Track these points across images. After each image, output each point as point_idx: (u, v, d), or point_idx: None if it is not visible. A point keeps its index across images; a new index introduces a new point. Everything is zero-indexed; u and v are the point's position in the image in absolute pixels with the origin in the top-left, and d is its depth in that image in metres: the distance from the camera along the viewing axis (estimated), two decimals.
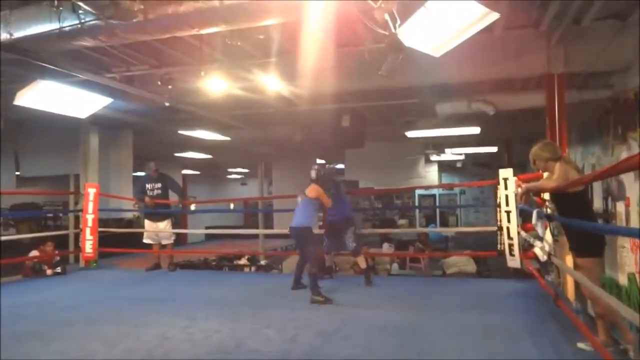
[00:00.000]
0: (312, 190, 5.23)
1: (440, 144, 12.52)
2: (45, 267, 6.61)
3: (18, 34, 4.16)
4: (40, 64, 4.99)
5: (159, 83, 5.87)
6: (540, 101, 6.08)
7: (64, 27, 3.99)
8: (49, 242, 6.93)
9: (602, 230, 4.00)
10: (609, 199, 6.50)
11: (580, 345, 3.18)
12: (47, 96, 5.76)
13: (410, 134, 9.79)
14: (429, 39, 3.98)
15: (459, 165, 16.88)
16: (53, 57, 5.07)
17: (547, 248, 4.25)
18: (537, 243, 4.69)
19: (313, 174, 5.33)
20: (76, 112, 6.47)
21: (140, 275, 6.90)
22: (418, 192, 20.47)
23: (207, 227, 18.07)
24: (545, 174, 3.70)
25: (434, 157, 14.16)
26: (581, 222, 3.19)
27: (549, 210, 3.94)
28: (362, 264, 5.76)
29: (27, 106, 5.86)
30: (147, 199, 7.08)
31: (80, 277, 6.66)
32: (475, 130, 9.12)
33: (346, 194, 6.15)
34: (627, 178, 5.70)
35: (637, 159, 1.66)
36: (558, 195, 3.48)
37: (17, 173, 10.60)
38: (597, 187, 6.99)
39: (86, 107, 6.39)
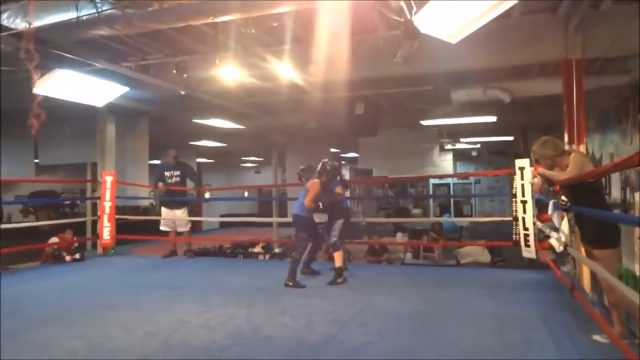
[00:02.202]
0: (311, 185, 5.26)
1: (455, 133, 12.42)
2: (64, 253, 6.74)
3: (36, 23, 4.21)
4: (59, 52, 5.05)
5: (174, 72, 5.90)
6: (557, 88, 5.98)
7: (82, 16, 4.02)
8: (68, 229, 7.05)
9: (619, 219, 3.96)
10: (627, 189, 6.41)
11: (596, 337, 3.16)
12: (64, 85, 5.82)
13: (425, 122, 9.72)
14: (445, 26, 3.93)
15: (474, 153, 16.73)
16: (71, 46, 5.13)
17: (563, 239, 4.21)
18: (553, 234, 4.66)
19: (318, 168, 5.34)
20: (93, 101, 6.53)
21: (157, 262, 7.00)
22: (432, 181, 20.37)
23: (221, 215, 18.22)
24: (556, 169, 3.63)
25: (448, 146, 14.07)
26: (597, 211, 3.15)
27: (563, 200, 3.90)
28: (338, 261, 5.22)
29: (45, 95, 5.93)
30: (160, 184, 7.14)
31: (98, 264, 6.78)
32: (491, 118, 9.03)
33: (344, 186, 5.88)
34: None
35: None
36: (571, 186, 3.44)
37: (36, 161, 10.78)
38: (616, 178, 6.89)
39: (103, 95, 6.45)
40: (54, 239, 6.85)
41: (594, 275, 4.02)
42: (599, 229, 3.24)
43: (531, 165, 5.08)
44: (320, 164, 5.31)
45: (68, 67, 5.58)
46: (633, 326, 3.20)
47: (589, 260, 3.30)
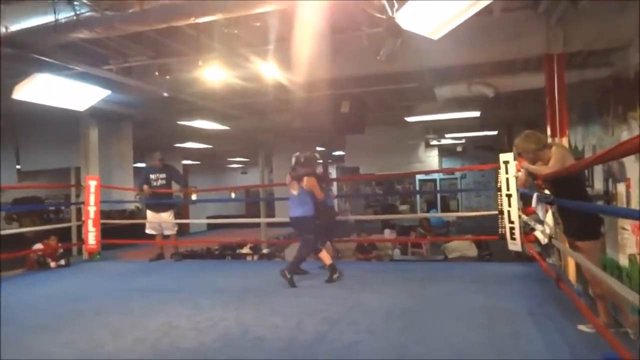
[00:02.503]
0: (308, 183, 5.21)
1: (440, 129, 12.51)
2: (49, 260, 6.65)
3: (14, 27, 4.14)
4: (37, 57, 4.97)
5: (157, 74, 5.85)
6: (541, 82, 6.05)
7: (60, 19, 3.97)
8: (53, 235, 6.95)
9: (601, 211, 4.02)
10: (610, 181, 6.51)
11: (581, 327, 3.20)
12: (45, 89, 5.75)
13: (410, 118, 9.77)
14: (427, 23, 3.96)
15: (459, 149, 16.88)
16: (50, 50, 5.05)
17: (548, 231, 4.26)
18: (538, 226, 4.71)
19: (292, 162, 5.32)
20: (75, 105, 6.46)
21: (144, 266, 6.94)
22: (419, 177, 20.50)
23: (208, 217, 18.14)
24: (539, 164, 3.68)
25: (434, 142, 14.16)
26: (580, 203, 3.20)
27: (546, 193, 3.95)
28: (326, 260, 5.24)
29: (25, 100, 5.85)
30: (145, 187, 7.06)
31: (84, 270, 6.70)
32: (475, 113, 9.10)
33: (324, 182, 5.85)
34: (628, 159, 5.69)
35: (631, 144, 1.65)
36: (553, 180, 3.48)
37: (18, 167, 10.62)
38: (598, 169, 6.99)
39: (84, 99, 6.38)
40: (38, 246, 6.75)
41: (579, 267, 4.08)
42: (581, 221, 3.29)
43: (515, 159, 5.14)
44: (294, 158, 5.31)
45: (48, 71, 5.51)
46: (618, 315, 3.25)
47: (573, 251, 3.35)
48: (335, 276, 5.08)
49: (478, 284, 4.81)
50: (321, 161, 5.50)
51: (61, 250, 6.96)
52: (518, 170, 5.08)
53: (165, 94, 6.93)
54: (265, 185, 15.53)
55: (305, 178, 5.20)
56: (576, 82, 6.35)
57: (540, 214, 4.22)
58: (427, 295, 4.47)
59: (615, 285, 2.41)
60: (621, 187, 6.02)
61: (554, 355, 2.84)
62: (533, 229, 5.27)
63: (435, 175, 20.56)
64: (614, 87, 6.29)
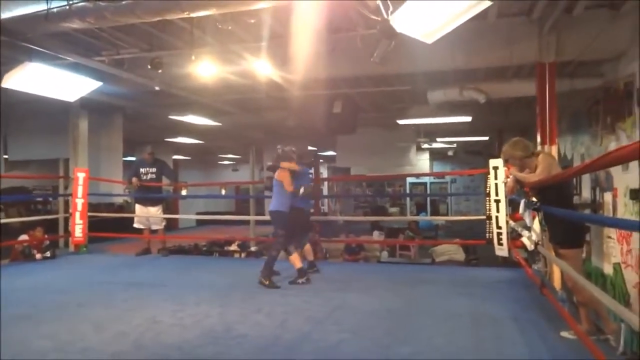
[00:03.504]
0: (279, 174, 5.17)
1: (431, 132, 12.55)
2: (35, 251, 6.58)
3: (5, 15, 4.09)
4: (28, 45, 4.92)
5: (149, 67, 5.81)
6: (532, 90, 6.10)
7: (52, 8, 3.93)
8: (38, 227, 6.88)
9: (586, 220, 4.06)
10: (597, 190, 6.57)
11: (564, 333, 3.23)
12: (35, 79, 5.68)
13: (402, 121, 9.80)
14: (421, 25, 3.96)
15: (450, 153, 16.95)
16: (41, 39, 5.00)
17: (534, 237, 4.29)
18: (525, 232, 4.74)
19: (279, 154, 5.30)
20: (65, 96, 6.39)
21: (130, 260, 6.89)
22: (409, 180, 20.56)
23: (197, 213, 18.05)
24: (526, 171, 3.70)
25: (425, 145, 14.21)
26: (566, 212, 3.23)
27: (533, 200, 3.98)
28: (295, 264, 5.11)
29: (15, 89, 5.78)
30: (134, 179, 6.99)
31: (70, 262, 6.64)
32: (467, 118, 9.15)
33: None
34: (615, 169, 5.75)
35: (617, 154, 1.68)
36: (539, 188, 3.51)
37: (5, 156, 10.49)
38: (586, 178, 7.05)
39: (75, 90, 6.31)
40: (24, 237, 6.68)
41: (563, 274, 4.11)
42: (565, 229, 3.33)
43: (504, 166, 5.17)
44: (277, 152, 5.36)
45: (39, 60, 5.45)
46: (600, 323, 3.28)
47: (557, 259, 3.37)
48: (300, 280, 4.96)
49: (464, 287, 4.83)
50: (293, 156, 5.25)
51: (47, 242, 6.89)
52: (507, 177, 5.11)
53: (157, 88, 6.88)
54: (256, 182, 15.47)
55: (278, 169, 5.18)
56: (567, 91, 6.40)
57: (527, 220, 4.25)
58: (413, 298, 4.48)
59: (595, 291, 2.43)
60: (608, 197, 6.08)
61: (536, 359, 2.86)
62: (520, 235, 5.31)
63: (426, 179, 20.64)
64: (603, 97, 6.35)
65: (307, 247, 5.65)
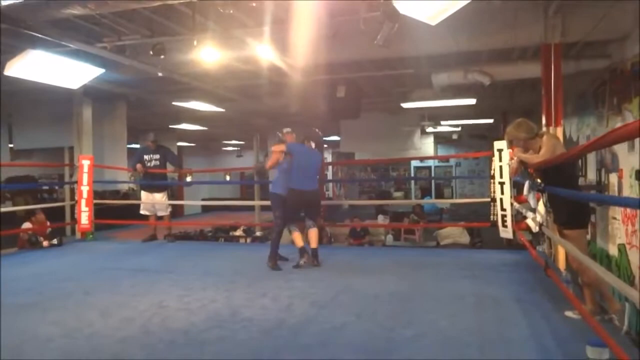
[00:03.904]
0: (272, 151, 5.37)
1: (436, 116, 12.48)
2: (41, 238, 6.63)
3: (5, 2, 4.07)
4: (30, 33, 4.90)
5: (151, 53, 5.77)
6: (537, 72, 6.04)
7: None
8: (39, 211, 6.93)
9: (589, 199, 4.05)
10: (603, 171, 6.53)
11: (568, 313, 3.25)
12: (37, 66, 5.68)
13: (406, 105, 9.74)
14: (425, 8, 3.92)
15: (455, 137, 16.87)
16: (42, 27, 4.98)
17: (539, 219, 4.29)
18: (530, 214, 4.73)
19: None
20: (68, 83, 6.38)
21: (137, 246, 6.95)
22: (414, 163, 20.53)
23: (203, 199, 18.12)
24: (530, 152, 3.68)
25: (429, 129, 14.14)
26: (569, 192, 3.22)
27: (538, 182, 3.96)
28: (296, 242, 5.20)
29: (17, 76, 5.79)
30: (138, 165, 7.04)
31: (76, 249, 6.70)
32: (471, 101, 9.09)
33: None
34: (621, 150, 5.71)
35: (620, 132, 1.66)
36: (544, 169, 3.50)
37: (11, 145, 10.54)
38: (592, 160, 7.01)
39: (78, 77, 6.31)
40: (27, 225, 6.73)
41: (568, 255, 4.11)
42: (569, 210, 3.32)
43: (508, 148, 5.15)
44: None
45: (40, 47, 5.44)
46: (605, 303, 3.29)
47: (562, 240, 3.37)
48: (301, 261, 5.04)
49: (468, 270, 4.84)
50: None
51: (50, 230, 6.94)
52: (511, 159, 5.09)
53: (160, 74, 6.86)
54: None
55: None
56: (572, 72, 6.34)
57: (532, 202, 4.24)
58: (417, 281, 4.50)
59: (600, 270, 2.44)
60: (613, 178, 6.05)
61: (538, 340, 2.87)
62: (525, 217, 5.30)
63: (430, 163, 20.61)
64: (609, 78, 6.28)
65: (311, 232, 5.21)
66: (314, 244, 5.13)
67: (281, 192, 5.20)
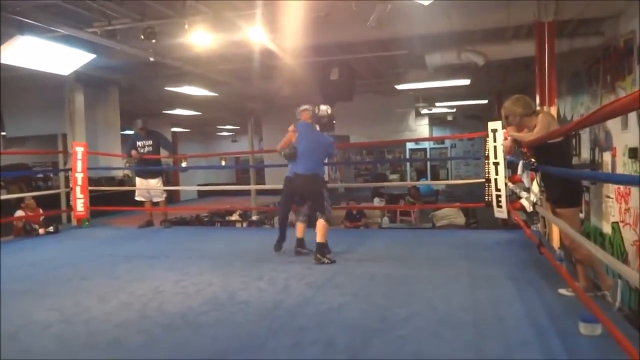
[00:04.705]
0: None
1: (430, 97, 12.45)
2: (37, 226, 6.63)
3: None
4: (19, 18, 4.84)
5: (142, 37, 5.71)
6: (531, 50, 6.03)
7: None
8: (30, 199, 6.92)
9: (580, 176, 4.07)
10: (597, 150, 6.56)
11: (562, 290, 3.29)
12: (27, 52, 5.61)
13: (400, 86, 9.71)
14: None
15: (449, 118, 16.86)
16: (31, 12, 4.91)
17: (533, 198, 4.31)
18: (524, 194, 4.76)
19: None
20: (59, 69, 6.33)
21: (133, 232, 6.96)
22: (409, 146, 20.53)
23: (198, 185, 18.11)
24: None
25: (424, 111, 14.12)
26: (562, 170, 3.24)
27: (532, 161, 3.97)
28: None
29: (6, 63, 5.72)
30: (133, 152, 7.02)
31: (73, 236, 6.70)
32: (465, 81, 9.06)
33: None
34: (615, 129, 5.73)
35: (611, 107, 1.64)
36: (539, 147, 3.50)
37: (3, 133, 10.46)
38: (585, 138, 7.03)
39: (68, 63, 6.26)
40: (20, 212, 6.72)
41: (561, 233, 4.15)
42: (562, 189, 3.34)
43: (503, 127, 5.15)
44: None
45: (30, 33, 5.36)
46: (597, 280, 3.33)
47: (556, 218, 3.40)
48: (303, 250, 4.79)
49: (463, 250, 4.88)
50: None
51: (43, 217, 6.94)
52: (505, 139, 5.10)
53: (152, 59, 6.79)
54: (256, 152, 15.47)
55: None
56: (566, 51, 6.32)
57: (526, 181, 4.26)
58: (412, 261, 4.54)
59: (592, 247, 2.46)
60: (607, 156, 6.08)
61: (532, 317, 2.91)
62: (519, 197, 5.33)
63: (426, 145, 20.61)
64: (603, 56, 6.27)
65: (317, 224, 4.59)
66: (317, 236, 4.53)
67: (287, 175, 4.89)
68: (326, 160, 5.34)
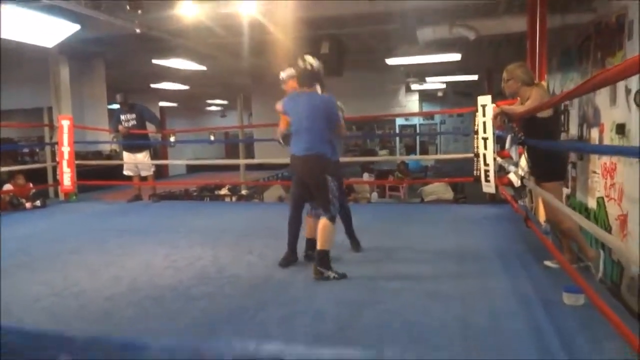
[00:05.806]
0: None
1: (421, 73, 12.39)
2: (24, 200, 6.57)
3: None
4: None
5: (128, 8, 5.58)
6: (523, 26, 5.99)
7: None
8: (19, 174, 6.84)
9: (571, 148, 4.12)
10: (585, 126, 6.59)
11: (547, 263, 3.36)
12: (8, 22, 5.45)
13: (391, 61, 9.64)
14: None
15: (440, 94, 16.81)
16: None
17: (520, 173, 4.34)
18: (512, 169, 4.79)
19: None
20: (42, 41, 6.17)
21: (121, 207, 6.93)
22: (399, 122, 20.48)
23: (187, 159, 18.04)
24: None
25: (415, 86, 14.06)
26: (544, 143, 3.27)
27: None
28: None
29: None
30: (120, 127, 6.94)
31: (60, 210, 6.66)
32: (456, 56, 9.02)
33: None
34: (603, 105, 5.75)
35: (599, 78, 1.64)
36: (527, 121, 3.52)
37: None
38: (574, 115, 7.06)
39: (52, 34, 6.10)
40: (8, 186, 6.65)
41: (545, 206, 4.20)
42: (545, 163, 3.39)
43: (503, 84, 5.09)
44: None
45: (10, 2, 5.21)
46: (581, 253, 3.40)
47: (542, 190, 3.44)
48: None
49: (451, 225, 4.94)
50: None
51: (33, 190, 6.87)
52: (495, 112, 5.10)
53: (138, 30, 6.65)
54: (245, 127, 15.37)
55: None
56: (558, 27, 6.29)
57: (514, 155, 4.29)
58: (401, 236, 4.58)
59: (576, 217, 2.51)
60: (595, 133, 6.11)
61: (518, 289, 2.97)
62: (508, 172, 5.37)
63: (415, 120, 20.56)
64: (594, 32, 6.24)
65: (320, 224, 3.47)
66: (318, 242, 3.41)
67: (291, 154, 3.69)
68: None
